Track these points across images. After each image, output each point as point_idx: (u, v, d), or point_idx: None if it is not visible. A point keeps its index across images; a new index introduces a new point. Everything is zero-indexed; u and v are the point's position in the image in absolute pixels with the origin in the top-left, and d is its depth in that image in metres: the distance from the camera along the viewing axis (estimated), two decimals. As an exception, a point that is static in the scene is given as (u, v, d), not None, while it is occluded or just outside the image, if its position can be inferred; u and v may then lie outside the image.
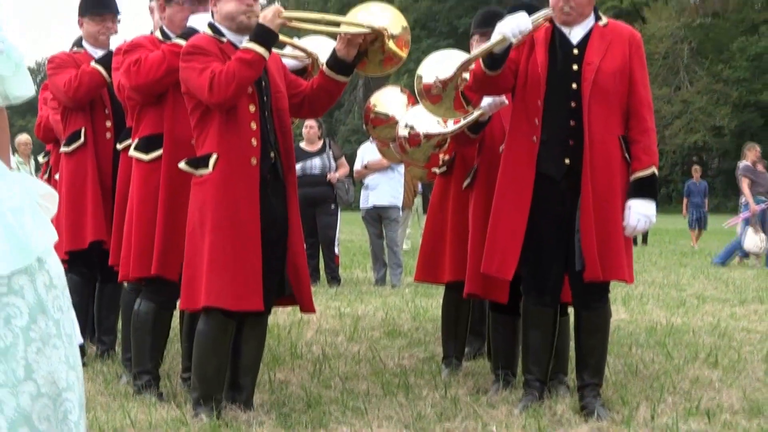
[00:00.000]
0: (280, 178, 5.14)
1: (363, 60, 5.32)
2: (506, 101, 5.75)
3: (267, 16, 4.96)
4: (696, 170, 25.75)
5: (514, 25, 5.14)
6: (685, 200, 24.72)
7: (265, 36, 4.93)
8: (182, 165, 5.09)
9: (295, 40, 5.70)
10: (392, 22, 5.30)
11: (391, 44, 5.27)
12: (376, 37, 5.22)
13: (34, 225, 2.39)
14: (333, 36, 5.41)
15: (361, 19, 5.26)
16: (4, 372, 2.28)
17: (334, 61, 5.23)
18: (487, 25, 6.23)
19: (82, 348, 6.73)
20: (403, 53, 5.35)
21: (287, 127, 5.23)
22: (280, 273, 5.15)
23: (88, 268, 6.76)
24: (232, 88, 4.81)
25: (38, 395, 2.33)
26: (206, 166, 4.94)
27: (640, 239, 23.18)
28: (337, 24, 5.25)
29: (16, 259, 2.33)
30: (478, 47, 6.17)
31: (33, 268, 2.37)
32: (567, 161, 5.30)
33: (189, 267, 5.00)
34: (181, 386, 5.85)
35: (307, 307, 5.27)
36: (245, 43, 4.94)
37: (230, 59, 4.93)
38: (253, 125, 5.00)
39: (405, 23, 5.38)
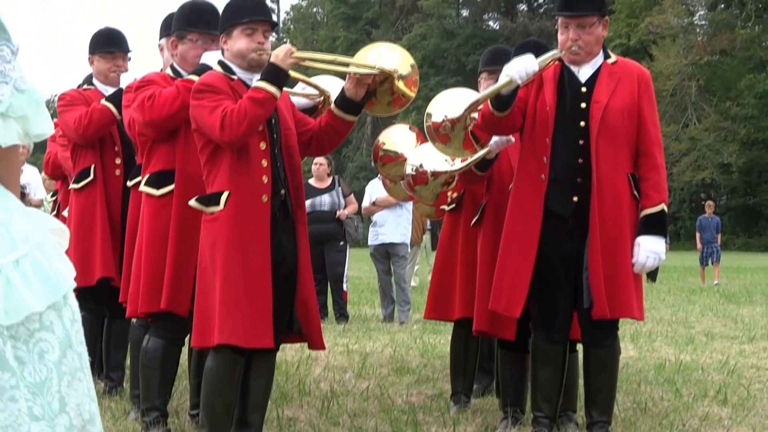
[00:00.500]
0: (289, 215, 5.15)
1: (371, 100, 5.33)
2: (513, 139, 5.78)
3: (279, 55, 4.97)
4: (709, 206, 25.32)
5: (521, 67, 5.16)
6: (697, 235, 24.35)
7: (277, 75, 4.94)
8: (192, 203, 5.09)
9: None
10: (401, 62, 5.32)
11: (400, 85, 5.29)
12: (386, 78, 5.24)
13: (58, 260, 2.45)
14: (342, 75, 5.43)
15: (370, 59, 5.28)
16: (42, 406, 2.35)
17: (343, 100, 5.24)
18: (495, 63, 6.26)
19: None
20: (412, 93, 5.37)
21: (297, 165, 5.24)
22: (289, 310, 5.15)
23: (96, 305, 6.77)
24: (244, 126, 4.82)
25: (71, 427, 2.41)
26: (217, 203, 4.94)
27: (645, 277, 22.94)
28: (348, 65, 5.27)
29: (47, 296, 2.40)
30: (486, 85, 6.22)
31: (59, 304, 2.46)
32: (575, 199, 5.32)
33: (201, 305, 4.99)
34: (190, 423, 5.85)
35: (317, 345, 5.26)
36: (256, 82, 4.97)
37: (241, 97, 4.95)
38: (264, 163, 5.01)
39: (413, 62, 5.40)
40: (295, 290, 5.14)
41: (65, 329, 2.45)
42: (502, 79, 5.22)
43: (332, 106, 5.28)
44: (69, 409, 2.41)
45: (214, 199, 4.96)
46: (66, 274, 2.48)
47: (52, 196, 8.93)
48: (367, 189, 13.38)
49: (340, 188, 13.10)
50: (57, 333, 2.43)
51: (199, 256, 5.05)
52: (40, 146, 8.30)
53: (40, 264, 2.41)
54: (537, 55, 5.41)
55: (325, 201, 12.88)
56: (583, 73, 5.42)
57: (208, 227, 4.99)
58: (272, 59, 4.98)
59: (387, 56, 5.30)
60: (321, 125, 5.32)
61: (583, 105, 5.35)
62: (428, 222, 17.36)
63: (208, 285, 4.94)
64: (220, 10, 5.25)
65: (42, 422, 2.35)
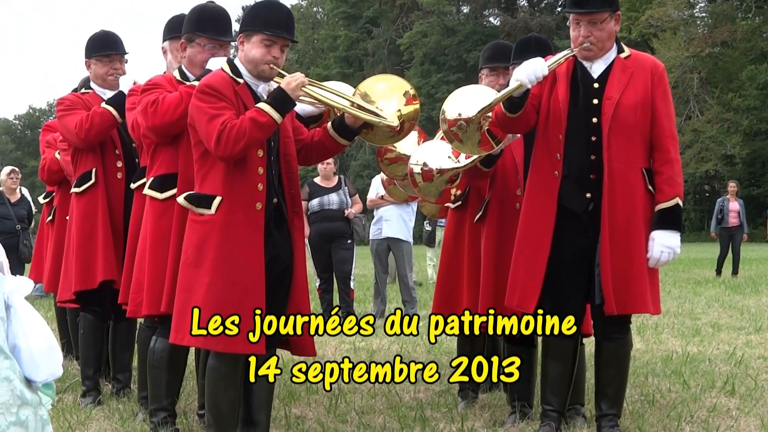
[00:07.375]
0: (285, 219, 5.13)
1: (369, 128, 5.32)
2: (518, 135, 5.76)
3: (291, 84, 4.92)
4: None
5: (530, 71, 5.13)
6: None
7: (283, 102, 4.90)
8: (181, 200, 5.07)
9: (312, 89, 5.66)
10: (399, 100, 5.32)
11: (404, 110, 5.30)
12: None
13: None
14: (350, 82, 5.40)
15: (379, 91, 5.30)
16: None
17: (340, 124, 5.24)
18: (495, 60, 6.25)
19: (97, 386, 6.73)
20: (416, 108, 5.37)
21: (294, 173, 5.20)
22: (283, 314, 5.11)
23: (100, 308, 6.76)
24: (240, 146, 4.78)
25: None
26: (208, 207, 4.91)
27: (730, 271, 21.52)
28: (353, 103, 5.24)
29: None
30: (487, 82, 6.20)
31: None
32: (588, 195, 5.30)
33: (180, 301, 4.97)
34: (198, 423, 5.85)
35: (308, 351, 5.24)
36: (262, 104, 4.89)
37: (244, 103, 4.92)
38: (261, 170, 4.97)
39: (408, 89, 5.40)
40: (288, 295, 5.12)
41: None
42: (513, 83, 5.19)
43: (328, 125, 5.27)
44: None
45: (204, 201, 4.93)
46: None
47: (44, 198, 8.92)
48: (374, 181, 13.38)
49: (346, 187, 13.12)
50: None
51: (182, 254, 5.03)
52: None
53: None
54: (538, 53, 5.39)
55: (333, 200, 12.90)
56: (596, 68, 5.38)
57: (196, 228, 4.96)
58: (283, 85, 4.94)
59: (388, 99, 5.30)
60: (313, 139, 5.31)
61: (595, 101, 5.32)
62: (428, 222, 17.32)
63: (191, 283, 4.92)
64: (231, 14, 5.20)
65: None
